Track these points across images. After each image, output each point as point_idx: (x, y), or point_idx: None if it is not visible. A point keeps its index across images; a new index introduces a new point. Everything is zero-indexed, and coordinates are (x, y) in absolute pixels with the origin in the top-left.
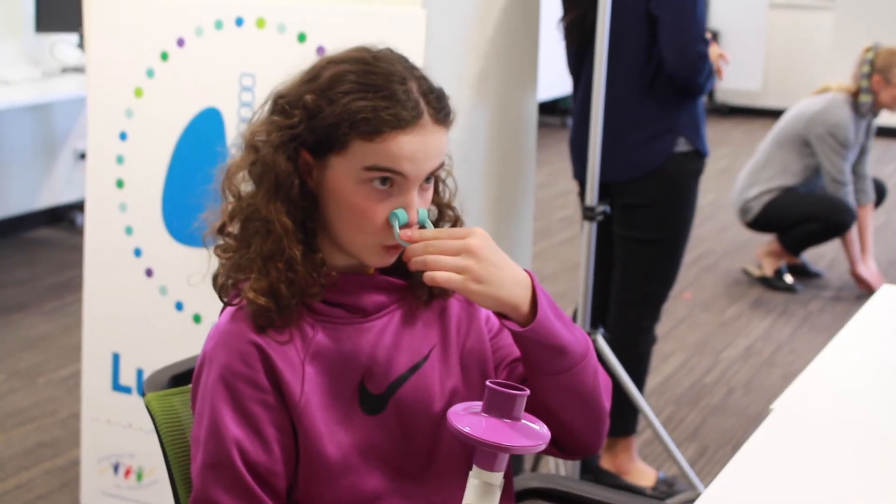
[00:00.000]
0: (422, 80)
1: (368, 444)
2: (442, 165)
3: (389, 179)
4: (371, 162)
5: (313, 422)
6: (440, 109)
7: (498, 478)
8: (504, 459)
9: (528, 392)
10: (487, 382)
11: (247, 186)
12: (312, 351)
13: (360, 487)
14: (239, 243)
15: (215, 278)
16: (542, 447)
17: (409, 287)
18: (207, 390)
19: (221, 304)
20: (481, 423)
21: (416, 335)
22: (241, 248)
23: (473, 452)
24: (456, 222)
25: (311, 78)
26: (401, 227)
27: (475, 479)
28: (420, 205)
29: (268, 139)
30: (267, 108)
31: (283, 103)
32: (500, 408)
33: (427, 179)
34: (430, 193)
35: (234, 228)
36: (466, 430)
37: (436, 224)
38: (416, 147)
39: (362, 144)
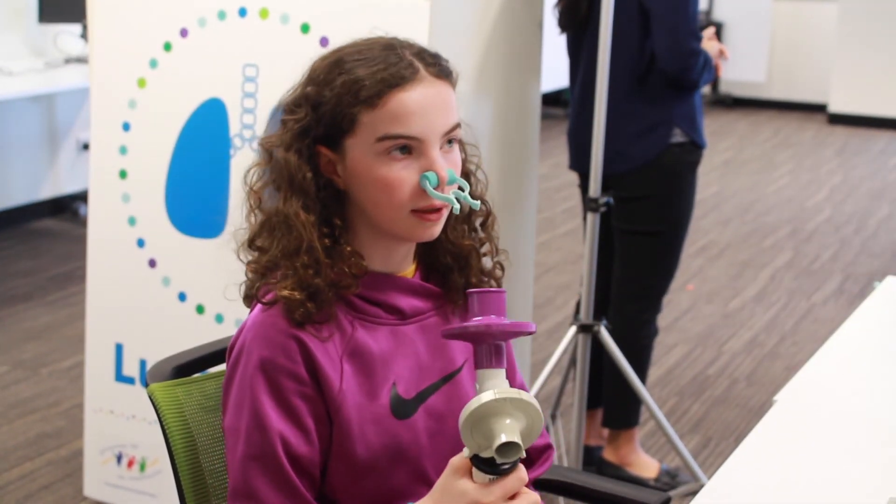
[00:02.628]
0: (414, 45)
1: (396, 447)
2: (458, 127)
3: (407, 147)
4: (382, 131)
5: (348, 419)
6: (437, 65)
7: (501, 374)
8: (503, 354)
9: (505, 291)
10: (468, 291)
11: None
12: (350, 348)
13: (383, 486)
14: (266, 252)
15: (246, 296)
16: (534, 330)
17: (445, 293)
18: (246, 381)
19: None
20: (478, 320)
21: (451, 345)
22: (269, 256)
23: (474, 359)
24: (488, 217)
25: (309, 74)
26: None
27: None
28: (447, 167)
29: (280, 142)
30: (278, 117)
31: (290, 105)
32: (487, 309)
33: (449, 143)
34: (455, 157)
35: (261, 240)
36: (469, 323)
37: (469, 214)
38: (419, 101)
39: (369, 115)
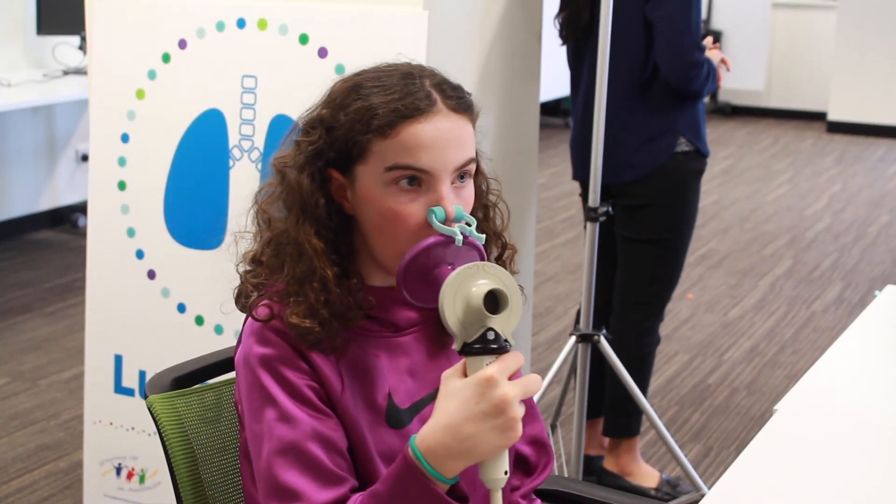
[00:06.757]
0: (436, 75)
1: (391, 455)
2: (473, 162)
3: (416, 179)
4: (391, 161)
5: (354, 420)
6: (456, 98)
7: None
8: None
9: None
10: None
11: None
12: (346, 359)
13: None
14: (271, 269)
15: (239, 296)
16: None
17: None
18: (255, 384)
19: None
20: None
21: (443, 358)
22: (273, 273)
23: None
24: (504, 251)
25: (328, 96)
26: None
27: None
28: (456, 202)
29: (293, 163)
30: (293, 136)
31: (305, 126)
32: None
33: (461, 178)
34: (467, 193)
35: (266, 256)
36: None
37: (484, 245)
38: (431, 135)
39: (380, 144)
